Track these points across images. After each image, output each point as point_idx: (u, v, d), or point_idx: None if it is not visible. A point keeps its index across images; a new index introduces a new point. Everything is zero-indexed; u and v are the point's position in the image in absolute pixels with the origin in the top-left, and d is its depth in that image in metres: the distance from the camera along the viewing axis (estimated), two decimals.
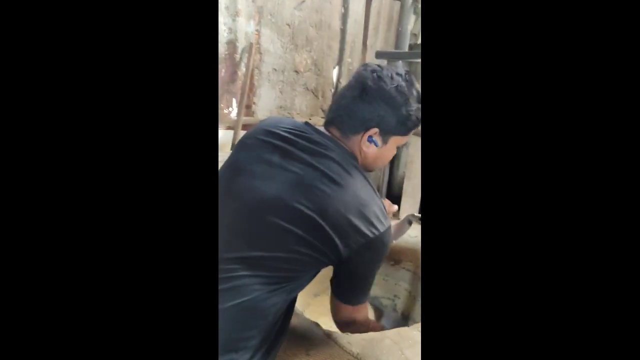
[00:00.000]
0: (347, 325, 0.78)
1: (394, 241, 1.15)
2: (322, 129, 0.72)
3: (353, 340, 0.79)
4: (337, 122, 0.71)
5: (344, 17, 1.84)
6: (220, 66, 1.60)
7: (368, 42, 1.01)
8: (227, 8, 1.53)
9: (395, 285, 1.45)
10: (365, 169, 0.74)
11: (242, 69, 1.66)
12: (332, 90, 1.99)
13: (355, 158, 0.71)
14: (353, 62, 1.96)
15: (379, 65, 0.71)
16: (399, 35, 0.86)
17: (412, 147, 1.89)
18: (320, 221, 0.62)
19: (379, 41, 1.99)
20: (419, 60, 0.87)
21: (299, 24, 1.77)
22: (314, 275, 0.70)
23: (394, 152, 0.77)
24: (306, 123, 0.73)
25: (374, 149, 0.71)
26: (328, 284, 0.76)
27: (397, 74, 0.70)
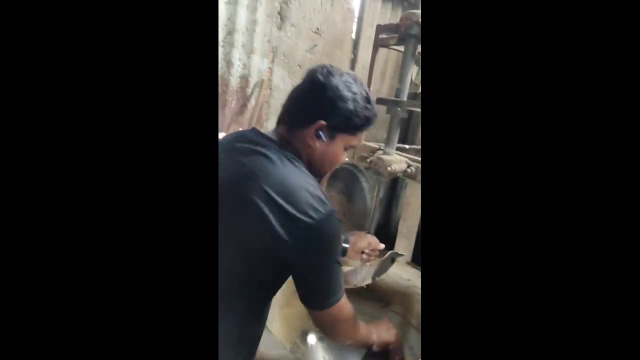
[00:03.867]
0: (327, 332, 0.77)
1: (376, 278, 1.12)
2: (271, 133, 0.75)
3: None
4: (285, 118, 0.73)
5: (353, 63, 1.95)
6: (230, 98, 1.68)
7: (373, 87, 1.08)
8: (243, 45, 1.64)
9: None
10: (313, 170, 0.74)
11: (252, 102, 1.74)
12: None
13: (293, 153, 0.71)
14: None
15: (330, 65, 0.74)
16: (400, 84, 0.92)
17: (410, 188, 1.92)
18: (248, 210, 0.64)
19: (385, 87, 2.08)
20: (418, 109, 0.92)
21: (310, 66, 1.87)
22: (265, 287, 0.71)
23: (342, 154, 0.76)
24: (253, 129, 0.77)
25: (321, 144, 0.71)
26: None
27: (348, 74, 0.72)
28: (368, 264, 1.09)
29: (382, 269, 1.10)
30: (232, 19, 1.56)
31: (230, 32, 1.58)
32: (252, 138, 0.72)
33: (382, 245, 1.06)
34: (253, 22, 1.60)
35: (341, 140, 0.73)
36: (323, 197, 0.67)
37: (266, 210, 0.62)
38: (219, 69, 1.60)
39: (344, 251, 1.06)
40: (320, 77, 0.69)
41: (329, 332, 0.76)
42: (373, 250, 1.06)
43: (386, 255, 1.09)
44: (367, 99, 0.72)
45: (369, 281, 1.11)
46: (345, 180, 2.11)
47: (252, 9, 1.58)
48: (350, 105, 0.69)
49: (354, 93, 0.70)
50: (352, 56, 1.94)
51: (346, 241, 1.06)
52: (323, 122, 0.69)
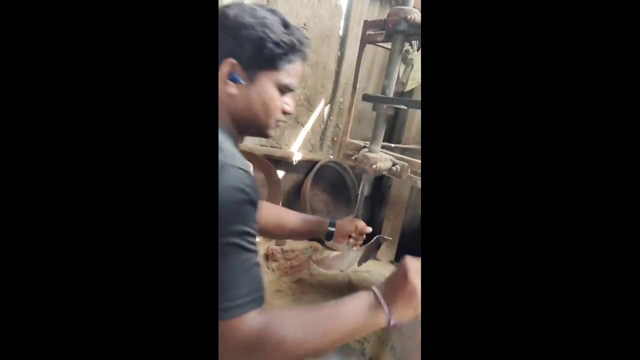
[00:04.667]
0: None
1: (362, 263, 1.10)
2: None
3: None
4: None
5: (340, 60, 1.93)
6: None
7: (359, 85, 1.07)
8: None
9: None
10: (246, 127, 0.60)
11: None
12: (322, 126, 2.04)
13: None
14: (344, 102, 2.03)
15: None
16: (386, 81, 0.91)
17: (395, 187, 1.92)
18: None
19: (371, 85, 2.08)
20: (405, 107, 0.91)
21: None
22: None
23: (277, 97, 0.61)
24: None
25: (240, 89, 0.58)
26: None
27: (255, 7, 0.59)
28: (355, 248, 1.06)
29: (368, 253, 1.09)
30: None
31: None
32: None
33: (369, 229, 1.04)
34: None
35: (267, 79, 0.60)
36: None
37: None
38: None
39: (330, 234, 1.03)
40: (224, 13, 0.58)
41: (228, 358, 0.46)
42: (360, 234, 1.03)
43: (372, 240, 1.08)
44: (285, 24, 0.60)
45: (354, 266, 1.10)
46: (330, 178, 2.10)
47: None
48: (259, 32, 0.56)
49: (261, 17, 0.57)
50: (339, 53, 1.92)
51: (332, 225, 1.04)
52: (232, 60, 0.57)
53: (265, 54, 0.59)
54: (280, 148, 1.88)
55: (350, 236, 1.03)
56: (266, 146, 1.82)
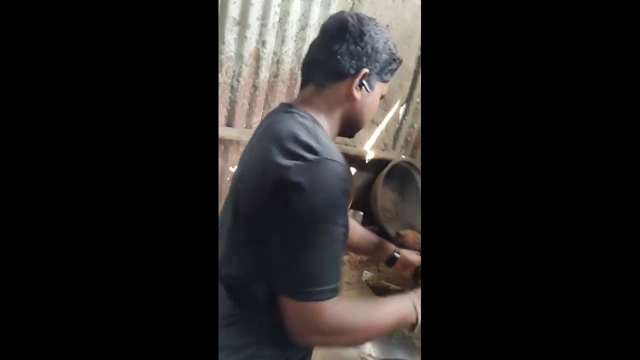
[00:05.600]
0: (297, 333, 0.52)
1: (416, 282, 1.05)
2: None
3: None
4: (314, 75, 0.65)
5: (419, 60, 1.92)
6: (296, 90, 1.74)
7: None
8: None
9: None
10: (349, 126, 0.67)
11: None
12: (397, 126, 2.05)
13: (318, 115, 0.63)
14: (421, 102, 2.02)
15: (352, 11, 0.69)
16: None
17: None
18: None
19: None
20: None
21: None
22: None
23: (378, 103, 0.70)
24: (281, 103, 0.70)
25: (364, 95, 0.64)
26: None
27: (370, 19, 0.65)
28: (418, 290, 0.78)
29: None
30: (305, 14, 1.61)
31: (303, 28, 1.63)
32: (270, 114, 0.69)
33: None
34: (325, 18, 1.64)
35: (379, 89, 0.68)
36: (314, 144, 0.54)
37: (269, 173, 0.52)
38: (289, 64, 1.66)
39: (392, 260, 0.96)
40: (353, 23, 0.62)
41: (300, 334, 0.52)
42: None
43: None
44: (393, 43, 0.67)
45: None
46: (401, 179, 2.10)
47: (326, 5, 1.62)
48: (388, 49, 0.64)
49: (387, 37, 0.65)
50: (419, 53, 1.91)
51: (397, 251, 0.97)
52: (367, 71, 0.63)
53: (387, 69, 0.67)
54: (354, 146, 1.93)
55: (414, 269, 0.96)
56: (341, 144, 1.88)
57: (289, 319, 0.52)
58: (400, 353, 1.16)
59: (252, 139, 0.70)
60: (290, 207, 0.50)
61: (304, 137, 0.55)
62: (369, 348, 1.17)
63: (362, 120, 0.69)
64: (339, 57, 0.62)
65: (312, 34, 1.65)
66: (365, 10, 1.73)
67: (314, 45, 0.67)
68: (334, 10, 1.65)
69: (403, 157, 2.05)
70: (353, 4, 1.69)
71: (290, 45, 1.62)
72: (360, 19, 0.64)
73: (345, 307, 0.53)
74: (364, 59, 0.63)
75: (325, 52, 0.63)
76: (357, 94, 0.64)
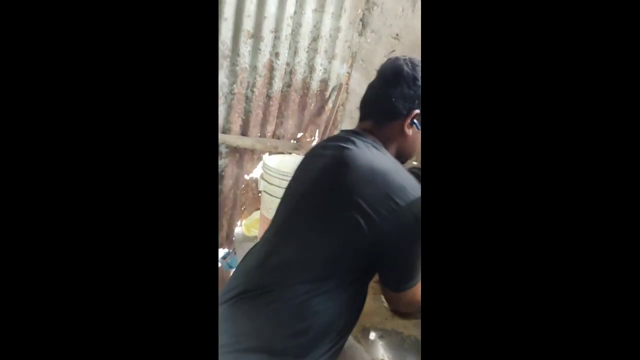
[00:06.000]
0: (399, 310, 0.85)
1: None
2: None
3: None
4: (372, 113, 0.77)
5: None
6: (310, 101, 1.78)
7: None
8: (325, 51, 1.73)
9: None
10: (403, 156, 0.78)
11: (329, 105, 1.83)
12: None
13: (379, 143, 0.74)
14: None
15: (406, 57, 0.78)
16: None
17: None
18: (339, 200, 0.67)
19: None
20: None
21: None
22: (359, 274, 0.69)
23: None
24: (341, 131, 0.82)
25: (414, 132, 0.75)
26: None
27: (420, 62, 0.75)
28: None
29: None
30: (317, 26, 1.66)
31: (315, 39, 1.67)
32: (340, 136, 0.78)
33: None
34: (337, 29, 1.68)
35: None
36: (413, 180, 0.69)
37: (355, 195, 0.64)
38: (301, 74, 1.70)
39: None
40: (408, 70, 0.74)
41: (401, 311, 0.85)
42: None
43: None
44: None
45: None
46: None
47: (337, 16, 1.66)
48: None
49: None
50: None
51: None
52: (417, 111, 0.74)
53: None
54: None
55: None
56: None
57: (391, 303, 0.79)
58: (413, 358, 1.17)
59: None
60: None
61: (403, 173, 0.70)
62: (382, 352, 1.18)
63: (413, 152, 0.81)
64: (393, 99, 0.73)
65: (323, 44, 1.69)
66: (375, 20, 1.77)
67: (372, 88, 0.78)
68: (344, 21, 1.69)
69: (414, 163, 2.06)
70: (363, 14, 1.73)
71: (302, 57, 1.67)
72: (414, 65, 0.75)
73: (419, 287, 0.73)
74: (416, 101, 0.73)
75: (382, 95, 0.75)
76: (408, 131, 0.75)
